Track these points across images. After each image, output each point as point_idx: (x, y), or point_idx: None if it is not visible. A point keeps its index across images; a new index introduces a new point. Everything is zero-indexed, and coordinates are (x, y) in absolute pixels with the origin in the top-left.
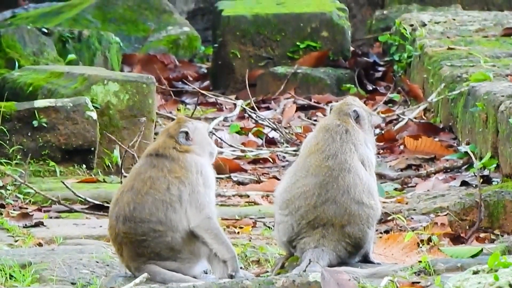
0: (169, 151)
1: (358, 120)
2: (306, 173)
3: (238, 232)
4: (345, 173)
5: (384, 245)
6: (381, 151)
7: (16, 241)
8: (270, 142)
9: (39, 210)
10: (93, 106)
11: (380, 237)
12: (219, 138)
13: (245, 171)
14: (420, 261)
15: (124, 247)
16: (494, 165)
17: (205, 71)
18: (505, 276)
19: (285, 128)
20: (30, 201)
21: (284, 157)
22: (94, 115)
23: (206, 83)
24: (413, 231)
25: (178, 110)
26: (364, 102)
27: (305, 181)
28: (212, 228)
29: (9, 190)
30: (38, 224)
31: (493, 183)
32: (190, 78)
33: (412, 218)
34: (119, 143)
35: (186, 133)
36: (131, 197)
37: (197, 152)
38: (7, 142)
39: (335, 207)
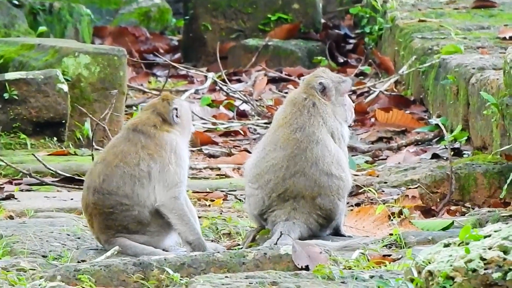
0: (147, 128)
1: (325, 92)
2: (275, 147)
3: (209, 205)
4: (313, 145)
5: (355, 218)
6: (352, 123)
7: None
8: (241, 115)
9: (10, 183)
10: (64, 78)
11: (351, 210)
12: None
13: (216, 143)
14: (391, 234)
15: (94, 218)
16: (465, 138)
17: (176, 43)
18: (476, 249)
19: (256, 100)
20: (1, 173)
21: (255, 129)
22: (65, 87)
23: (177, 55)
24: (384, 204)
25: (149, 82)
26: None
27: (274, 155)
28: (177, 208)
29: None
30: (9, 197)
31: (464, 155)
32: (161, 51)
33: (383, 191)
34: (90, 115)
35: (176, 109)
36: (102, 169)
37: (178, 131)
38: None
39: (304, 179)
